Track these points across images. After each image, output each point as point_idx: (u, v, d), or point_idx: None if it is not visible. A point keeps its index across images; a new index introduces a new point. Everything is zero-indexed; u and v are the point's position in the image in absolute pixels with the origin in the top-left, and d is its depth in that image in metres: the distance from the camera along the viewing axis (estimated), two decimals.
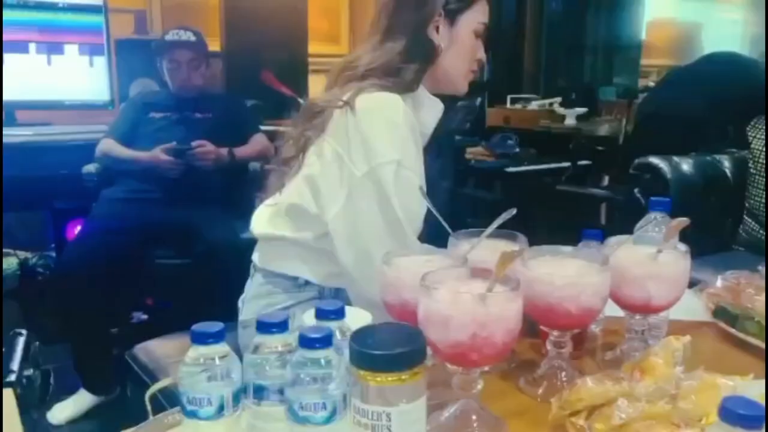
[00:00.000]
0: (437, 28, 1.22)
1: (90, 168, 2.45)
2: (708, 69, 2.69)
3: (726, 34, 4.45)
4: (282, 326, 0.64)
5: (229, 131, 2.48)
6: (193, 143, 2.34)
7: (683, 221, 0.88)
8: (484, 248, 0.89)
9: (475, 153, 3.70)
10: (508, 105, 3.98)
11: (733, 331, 1.03)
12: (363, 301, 1.10)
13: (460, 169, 3.58)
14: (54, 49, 2.81)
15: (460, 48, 1.24)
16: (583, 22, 4.38)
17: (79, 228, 2.40)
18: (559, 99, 3.87)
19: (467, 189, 3.65)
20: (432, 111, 1.26)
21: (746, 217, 2.11)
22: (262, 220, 1.28)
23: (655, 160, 2.11)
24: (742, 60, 2.82)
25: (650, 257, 0.89)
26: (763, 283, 1.15)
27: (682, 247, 0.91)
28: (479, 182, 3.74)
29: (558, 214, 3.17)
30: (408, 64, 1.19)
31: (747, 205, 2.10)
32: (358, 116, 1.14)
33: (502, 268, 0.69)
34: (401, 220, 1.13)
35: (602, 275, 0.83)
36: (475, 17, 1.24)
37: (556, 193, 3.36)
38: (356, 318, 0.77)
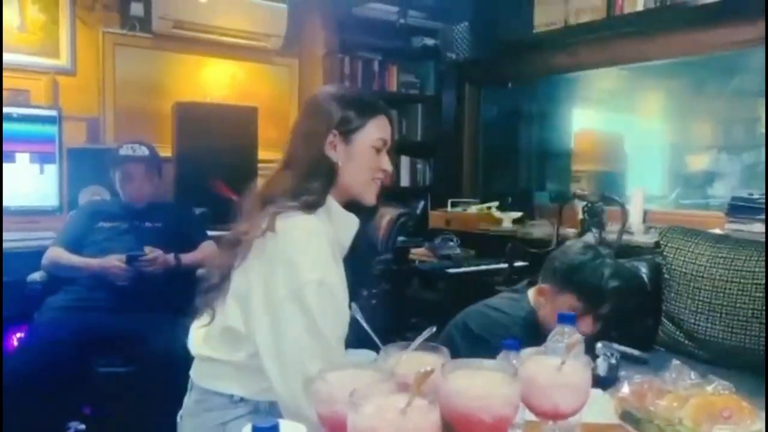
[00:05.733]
0: (334, 146, 1.32)
1: (35, 276, 2.45)
2: None
3: (645, 143, 4.82)
4: None
5: (179, 240, 2.55)
6: (146, 248, 2.39)
7: (579, 338, 1.00)
8: (411, 361, 0.99)
9: (418, 254, 3.84)
10: (449, 208, 4.17)
11: None
12: (293, 415, 1.15)
13: (405, 270, 3.70)
14: (5, 157, 2.86)
15: (358, 163, 1.33)
16: (517, 132, 4.69)
17: (19, 337, 2.37)
18: (496, 203, 4.08)
19: (412, 289, 3.75)
20: (347, 225, 1.35)
21: (664, 319, 2.27)
22: (197, 341, 1.34)
23: None
24: None
25: (555, 368, 0.99)
26: (665, 387, 1.27)
27: (584, 358, 1.03)
28: (423, 282, 3.85)
29: None
30: (311, 184, 1.29)
31: (664, 308, 2.27)
32: (278, 239, 1.22)
33: (417, 386, 0.79)
34: (326, 336, 1.20)
35: (512, 386, 0.93)
36: (373, 134, 1.34)
37: (495, 294, 3.48)
38: None
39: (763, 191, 2.65)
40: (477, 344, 1.74)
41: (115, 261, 2.34)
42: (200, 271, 2.54)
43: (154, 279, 2.39)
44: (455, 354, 1.03)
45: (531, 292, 1.89)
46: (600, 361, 1.47)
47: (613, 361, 1.43)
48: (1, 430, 1.96)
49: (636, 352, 1.53)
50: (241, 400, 1.27)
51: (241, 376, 1.27)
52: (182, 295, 2.36)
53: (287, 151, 1.36)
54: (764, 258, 2.07)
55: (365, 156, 1.34)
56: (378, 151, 1.35)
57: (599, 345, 1.50)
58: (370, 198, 1.38)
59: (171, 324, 2.21)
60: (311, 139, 1.33)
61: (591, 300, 1.73)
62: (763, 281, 2.05)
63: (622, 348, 1.53)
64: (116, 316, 2.28)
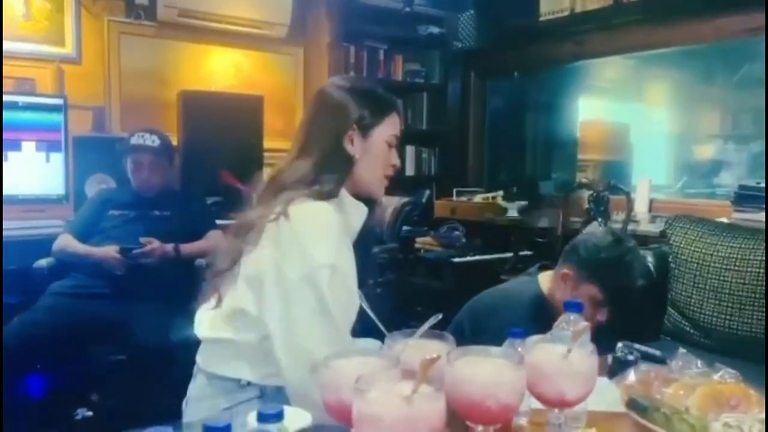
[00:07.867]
0: (351, 140, 1.34)
1: (42, 263, 2.47)
2: None
3: (650, 132, 4.81)
4: (226, 430, 0.71)
5: (187, 228, 2.55)
6: (143, 240, 2.39)
7: (585, 326, 1.00)
8: (416, 348, 0.99)
9: (424, 243, 3.84)
10: (454, 197, 4.17)
11: (642, 421, 1.13)
12: (301, 399, 1.16)
13: (410, 259, 3.71)
14: (11, 146, 2.87)
15: (374, 158, 1.36)
16: (523, 122, 4.66)
17: (19, 320, 2.37)
18: (501, 192, 4.07)
19: (417, 278, 3.76)
20: (357, 214, 1.36)
21: (670, 309, 2.26)
22: (204, 324, 1.33)
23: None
24: None
25: (562, 356, 0.99)
26: (672, 375, 1.26)
27: (590, 346, 1.02)
28: (428, 271, 3.85)
29: None
30: (325, 175, 1.30)
31: (670, 297, 2.26)
32: (292, 224, 1.22)
33: (422, 373, 0.79)
34: (336, 321, 1.20)
35: (518, 374, 0.93)
36: (387, 130, 1.37)
37: (501, 283, 3.48)
38: (296, 419, 0.85)
39: None
40: (481, 324, 1.74)
41: (111, 252, 2.34)
42: (200, 261, 2.53)
43: (153, 268, 2.39)
44: (462, 341, 1.03)
45: (542, 277, 1.88)
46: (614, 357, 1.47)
47: (631, 357, 1.43)
48: (0, 417, 1.97)
49: (657, 353, 1.53)
50: (248, 384, 1.27)
51: (249, 358, 1.27)
52: (182, 283, 2.38)
53: (300, 141, 1.36)
54: None
55: (380, 151, 1.37)
56: (390, 146, 1.38)
57: (620, 345, 1.50)
58: (379, 192, 1.41)
59: (173, 311, 2.22)
60: (330, 132, 1.34)
61: (617, 295, 1.72)
62: None
63: (644, 348, 1.53)
64: (115, 303, 2.29)
